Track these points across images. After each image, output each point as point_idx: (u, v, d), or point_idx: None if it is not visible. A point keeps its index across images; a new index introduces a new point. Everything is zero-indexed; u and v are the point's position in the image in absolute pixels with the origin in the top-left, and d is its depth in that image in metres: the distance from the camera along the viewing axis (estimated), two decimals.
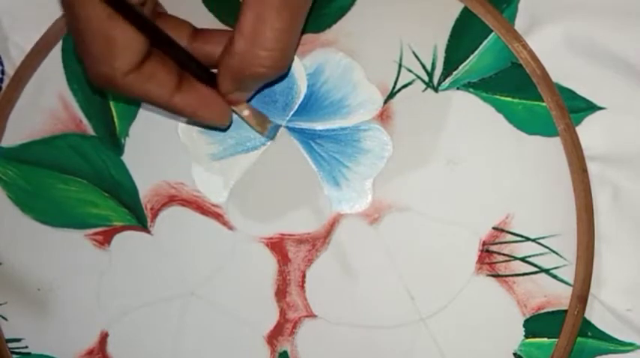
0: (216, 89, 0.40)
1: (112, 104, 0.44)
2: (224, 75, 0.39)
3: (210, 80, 0.39)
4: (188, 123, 0.44)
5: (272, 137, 0.43)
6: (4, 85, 0.45)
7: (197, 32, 0.41)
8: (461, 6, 0.42)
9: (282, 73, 0.39)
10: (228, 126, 0.43)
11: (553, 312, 0.42)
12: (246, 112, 0.41)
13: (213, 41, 0.40)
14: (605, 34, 0.43)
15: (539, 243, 0.42)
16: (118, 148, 0.44)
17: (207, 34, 0.41)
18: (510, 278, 0.42)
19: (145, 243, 0.44)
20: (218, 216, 0.44)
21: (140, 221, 0.44)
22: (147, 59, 0.38)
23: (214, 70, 0.39)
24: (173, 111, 0.39)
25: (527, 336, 0.42)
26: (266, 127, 0.42)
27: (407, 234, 0.43)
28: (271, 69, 0.38)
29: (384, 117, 0.43)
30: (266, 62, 0.37)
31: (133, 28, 0.36)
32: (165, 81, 0.38)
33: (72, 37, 0.38)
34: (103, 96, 0.44)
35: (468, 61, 0.43)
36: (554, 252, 0.42)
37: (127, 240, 0.44)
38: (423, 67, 0.43)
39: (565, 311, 0.42)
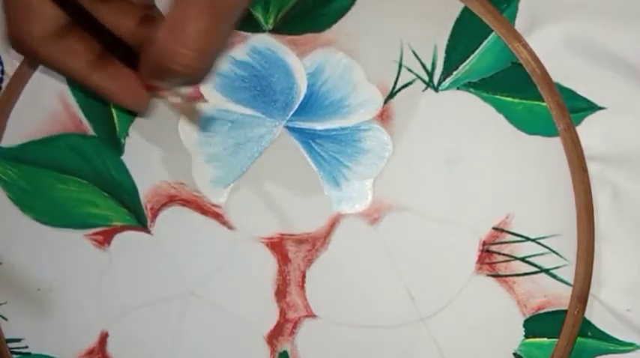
0: (137, 73, 0.39)
1: (112, 104, 0.44)
2: (144, 61, 0.38)
3: (131, 62, 0.38)
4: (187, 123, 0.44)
5: (204, 128, 0.42)
6: (4, 84, 0.45)
7: (146, 18, 0.39)
8: (461, 6, 0.42)
9: (200, 76, 0.38)
10: (144, 112, 0.42)
11: (553, 312, 0.42)
12: (173, 99, 0.40)
13: (129, 14, 0.39)
14: (605, 34, 0.43)
15: (539, 243, 0.42)
16: (118, 148, 0.44)
17: (159, 20, 0.39)
18: (510, 278, 0.42)
19: (145, 243, 0.44)
20: (218, 216, 0.44)
21: (140, 221, 0.44)
22: (69, 32, 0.37)
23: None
24: (92, 89, 0.39)
25: (527, 336, 0.42)
26: (195, 118, 0.42)
27: (407, 234, 0.43)
28: (187, 68, 0.36)
29: (384, 117, 0.43)
30: (182, 60, 0.36)
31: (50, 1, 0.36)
32: (84, 56, 0.38)
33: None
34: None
35: (468, 60, 0.43)
36: (554, 251, 0.42)
37: (127, 240, 0.44)
38: (423, 66, 0.43)
39: (565, 311, 0.42)
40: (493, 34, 0.42)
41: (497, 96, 0.42)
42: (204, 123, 0.42)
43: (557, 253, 0.42)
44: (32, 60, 0.40)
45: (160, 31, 0.36)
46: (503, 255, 0.42)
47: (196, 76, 0.37)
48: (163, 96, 0.40)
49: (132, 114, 0.44)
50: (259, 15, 0.43)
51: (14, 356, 0.44)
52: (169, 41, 0.36)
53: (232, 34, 0.38)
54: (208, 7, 0.36)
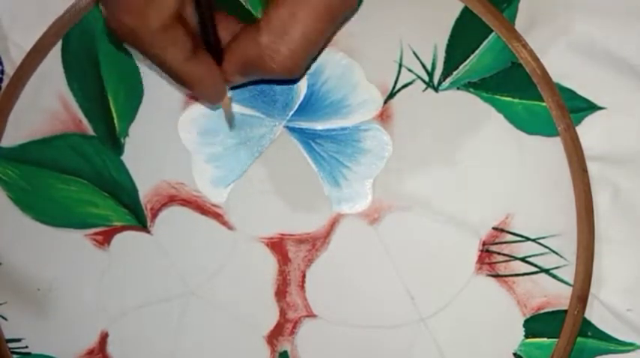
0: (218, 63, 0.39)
1: (111, 104, 0.44)
2: (235, 55, 0.38)
3: (218, 56, 0.39)
4: (187, 122, 0.44)
5: (231, 127, 0.43)
6: (4, 84, 0.45)
7: (217, 14, 0.39)
8: (461, 6, 0.42)
9: (291, 78, 0.39)
10: (217, 107, 0.42)
11: (553, 312, 0.42)
12: (227, 95, 0.41)
13: (228, 29, 0.39)
14: (605, 34, 0.43)
15: (539, 243, 0.42)
16: (118, 148, 0.44)
17: (227, 20, 0.40)
18: (510, 278, 0.42)
19: (145, 243, 0.44)
20: (218, 216, 0.44)
21: (140, 221, 0.44)
22: (176, 21, 0.37)
23: None
24: (178, 76, 0.38)
25: (527, 336, 0.42)
26: (231, 116, 0.42)
27: (407, 234, 0.43)
28: (285, 69, 0.37)
29: (384, 117, 0.43)
30: (283, 61, 0.37)
31: None
32: (185, 47, 0.37)
33: None
34: (103, 96, 0.44)
35: (468, 60, 0.43)
36: (554, 252, 0.42)
37: (127, 240, 0.44)
38: (424, 66, 0.43)
39: (565, 311, 0.42)
40: (493, 34, 0.42)
41: (497, 96, 0.42)
42: (232, 121, 0.43)
43: (557, 253, 0.42)
44: (132, 48, 0.39)
45: (262, 34, 0.36)
46: (503, 255, 0.42)
47: (289, 77, 0.38)
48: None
49: (131, 113, 0.44)
50: (259, 15, 0.43)
51: (14, 356, 0.44)
52: (274, 43, 0.36)
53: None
54: (318, 12, 0.36)
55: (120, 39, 0.37)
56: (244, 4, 0.43)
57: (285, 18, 0.36)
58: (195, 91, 0.40)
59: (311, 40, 0.37)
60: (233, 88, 0.43)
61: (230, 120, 0.43)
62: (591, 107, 0.44)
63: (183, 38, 0.37)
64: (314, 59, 0.41)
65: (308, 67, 0.40)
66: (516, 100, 0.42)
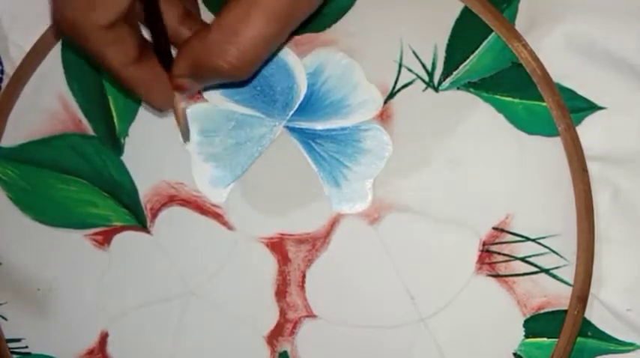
0: (168, 71, 0.39)
1: (111, 104, 0.44)
2: (185, 57, 0.38)
3: (168, 61, 0.38)
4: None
5: (186, 139, 0.42)
6: (4, 84, 0.45)
7: (187, 15, 0.40)
8: (461, 6, 0.42)
9: (241, 79, 0.38)
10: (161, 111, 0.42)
11: (553, 312, 0.42)
12: (182, 105, 0.40)
13: (189, 26, 0.39)
14: (605, 34, 0.43)
15: (539, 243, 0.42)
16: (118, 148, 0.44)
17: (197, 22, 0.40)
18: (510, 278, 0.42)
19: (145, 243, 0.44)
20: (218, 216, 0.44)
21: (140, 221, 0.44)
22: (122, 22, 0.36)
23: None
24: (121, 80, 0.38)
25: (527, 336, 0.42)
26: (185, 128, 0.42)
27: (407, 234, 0.43)
28: (234, 69, 0.36)
29: (384, 117, 0.43)
30: (233, 61, 0.36)
31: None
32: (130, 49, 0.37)
33: None
34: (103, 96, 0.44)
35: (468, 60, 0.42)
36: (554, 252, 0.42)
37: (127, 240, 0.44)
38: (424, 66, 0.43)
39: (565, 311, 0.42)
40: (493, 34, 0.42)
41: (497, 96, 0.42)
42: (186, 133, 0.42)
43: (557, 253, 0.42)
44: (77, 46, 0.38)
45: (213, 31, 0.36)
46: (503, 255, 0.42)
47: (239, 78, 0.37)
48: (177, 98, 0.40)
49: (131, 113, 0.44)
50: None
51: (14, 356, 0.44)
52: (224, 41, 0.36)
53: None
54: (276, 15, 0.36)
55: (62, 32, 0.37)
56: None
57: (237, 19, 0.36)
58: (139, 96, 0.40)
59: (263, 42, 0.36)
60: (233, 90, 0.42)
61: (184, 132, 0.42)
62: (591, 107, 0.44)
63: (127, 40, 0.37)
64: (267, 61, 0.40)
65: (260, 69, 0.39)
66: (516, 100, 0.42)
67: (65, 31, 0.37)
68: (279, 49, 0.42)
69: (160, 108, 0.40)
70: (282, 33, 0.36)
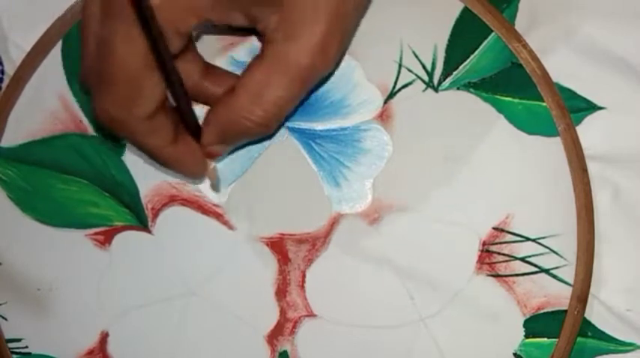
0: (199, 142, 0.40)
1: None
2: (213, 125, 0.39)
3: (198, 133, 0.40)
4: None
5: (217, 192, 0.43)
6: (4, 84, 0.45)
7: (208, 69, 0.41)
8: (461, 6, 0.42)
9: (266, 134, 0.39)
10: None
11: (553, 312, 0.42)
12: (212, 165, 0.41)
13: (222, 83, 0.40)
14: (605, 34, 0.43)
15: (539, 243, 0.42)
16: (119, 148, 0.44)
17: (219, 75, 0.41)
18: (510, 278, 0.42)
19: (146, 243, 0.44)
20: (218, 216, 0.44)
21: (141, 221, 0.44)
22: (159, 110, 0.38)
23: None
24: (160, 160, 0.40)
25: (527, 336, 0.42)
26: (217, 187, 0.43)
27: (407, 234, 0.43)
28: (260, 127, 0.38)
29: (384, 117, 0.43)
30: (258, 119, 0.38)
31: (159, 79, 0.36)
32: (168, 134, 0.39)
33: (88, 67, 0.38)
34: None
35: (468, 60, 0.43)
36: (554, 252, 0.42)
37: (128, 239, 0.44)
38: (423, 66, 0.43)
39: (565, 311, 0.42)
40: (493, 34, 0.42)
41: (497, 96, 0.42)
42: (218, 186, 0.43)
43: (557, 253, 0.42)
44: (118, 135, 0.40)
45: (239, 96, 0.37)
46: (503, 255, 0.42)
47: (264, 134, 0.39)
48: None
49: None
50: None
51: (14, 356, 0.44)
52: (249, 104, 0.37)
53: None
54: (296, 79, 0.37)
55: (104, 126, 0.38)
56: None
57: (259, 82, 0.37)
58: (177, 171, 0.41)
59: (285, 102, 0.38)
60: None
61: (216, 186, 0.43)
62: (591, 107, 0.44)
63: (165, 126, 0.38)
64: (303, 106, 0.42)
65: (285, 121, 0.42)
66: (516, 100, 0.42)
67: (106, 125, 0.38)
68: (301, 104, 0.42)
69: (195, 178, 0.42)
70: (303, 92, 0.38)
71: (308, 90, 0.39)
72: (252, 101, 0.37)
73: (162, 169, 0.43)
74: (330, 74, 0.42)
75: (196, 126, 0.40)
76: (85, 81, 0.39)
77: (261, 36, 0.38)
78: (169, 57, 0.35)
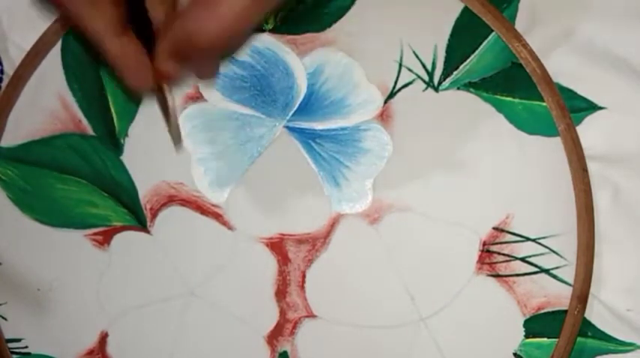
0: (150, 53, 0.39)
1: (111, 104, 0.44)
2: (166, 38, 0.38)
3: (150, 44, 0.39)
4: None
5: (178, 146, 0.42)
6: (4, 84, 0.45)
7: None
8: (461, 6, 0.42)
9: (219, 58, 0.38)
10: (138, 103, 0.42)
11: (553, 312, 0.42)
12: (171, 101, 0.40)
13: (160, 8, 0.39)
14: (605, 34, 0.43)
15: (539, 243, 0.42)
16: (118, 148, 0.44)
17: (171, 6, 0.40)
18: (510, 278, 0.42)
19: (145, 243, 0.44)
20: (218, 216, 0.44)
21: (140, 221, 0.44)
22: None
23: None
24: (108, 53, 0.38)
25: (527, 336, 0.42)
26: (176, 133, 0.42)
27: (407, 234, 0.43)
28: (213, 45, 0.37)
29: (384, 117, 0.43)
30: (213, 35, 0.36)
31: None
32: (110, 17, 0.38)
33: None
34: (103, 96, 0.44)
35: (468, 60, 0.43)
36: (554, 252, 0.42)
37: (127, 240, 0.44)
38: (424, 66, 0.43)
39: (565, 311, 0.42)
40: (493, 33, 0.42)
41: (498, 96, 0.42)
42: (178, 141, 0.42)
43: (557, 253, 0.42)
44: (60, 12, 0.39)
45: (190, 6, 0.36)
46: (504, 255, 0.42)
47: (216, 57, 0.38)
48: (164, 90, 0.40)
49: (131, 113, 0.44)
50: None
51: (14, 356, 0.44)
52: (200, 15, 0.36)
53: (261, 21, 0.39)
54: None
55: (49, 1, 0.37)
56: None
57: None
58: (119, 72, 0.40)
59: (239, 18, 0.36)
60: (233, 90, 0.42)
61: (176, 135, 0.42)
62: (591, 107, 0.44)
63: (109, 10, 0.37)
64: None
65: (236, 50, 0.40)
66: (516, 100, 0.42)
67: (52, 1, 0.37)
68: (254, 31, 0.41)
69: (138, 87, 0.40)
70: (258, 9, 0.37)
71: (265, 9, 0.37)
72: (205, 13, 0.36)
73: (159, 169, 0.43)
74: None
75: (150, 36, 0.39)
76: None
77: None
78: None
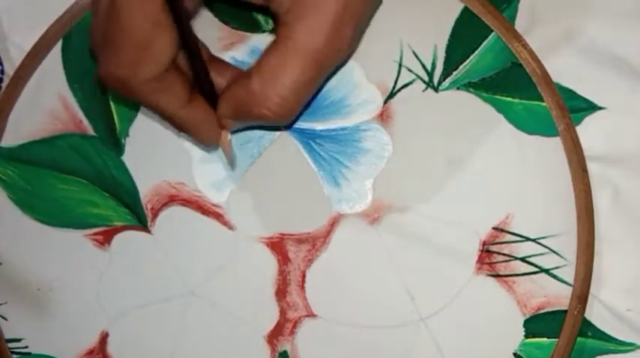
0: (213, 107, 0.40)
1: (112, 104, 0.44)
2: (228, 101, 0.38)
3: (213, 101, 0.39)
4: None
5: (233, 168, 0.43)
6: (4, 84, 0.45)
7: (211, 60, 0.40)
8: (461, 6, 0.42)
9: (283, 123, 0.39)
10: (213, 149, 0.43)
11: (553, 312, 0.42)
12: (227, 137, 0.41)
13: (223, 74, 0.40)
14: (605, 34, 0.43)
15: (539, 243, 0.42)
16: (119, 148, 0.44)
17: (221, 65, 0.40)
18: (510, 278, 0.42)
19: (146, 243, 0.44)
20: (218, 216, 0.44)
21: (140, 221, 0.44)
22: (170, 69, 0.37)
23: None
24: (174, 122, 0.39)
25: (527, 336, 0.42)
26: (233, 162, 0.43)
27: (407, 234, 0.43)
28: (277, 116, 0.37)
29: (384, 117, 0.43)
30: (274, 108, 0.37)
31: (170, 39, 0.36)
32: (180, 94, 0.38)
33: (96, 30, 0.37)
34: (104, 94, 0.44)
35: (468, 60, 0.43)
36: (554, 252, 0.42)
37: (128, 239, 0.44)
38: (423, 66, 0.43)
39: (565, 311, 0.42)
40: (493, 34, 0.42)
41: (498, 96, 0.42)
42: (233, 162, 0.43)
43: (557, 253, 0.42)
44: (125, 97, 0.39)
45: (253, 80, 0.37)
46: (503, 254, 0.42)
47: (283, 123, 0.39)
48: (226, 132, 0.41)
49: (132, 113, 0.44)
50: (259, 15, 0.43)
51: (14, 356, 0.44)
52: (264, 90, 0.36)
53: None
54: (312, 62, 0.36)
55: (109, 88, 0.37)
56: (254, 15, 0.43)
57: (275, 65, 0.36)
58: (191, 136, 0.40)
59: (301, 88, 0.37)
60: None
61: (231, 162, 0.43)
62: (591, 107, 0.44)
63: (177, 86, 0.38)
64: (307, 105, 0.41)
65: (301, 113, 0.40)
66: (516, 100, 0.42)
67: (112, 87, 0.37)
68: (317, 94, 0.42)
69: (210, 145, 0.41)
70: (319, 76, 0.37)
71: (325, 74, 0.38)
72: (267, 84, 0.36)
73: (160, 168, 0.43)
74: (348, 57, 0.41)
75: (212, 90, 0.39)
76: (92, 46, 0.38)
77: (275, 19, 0.38)
78: (186, 15, 0.35)
